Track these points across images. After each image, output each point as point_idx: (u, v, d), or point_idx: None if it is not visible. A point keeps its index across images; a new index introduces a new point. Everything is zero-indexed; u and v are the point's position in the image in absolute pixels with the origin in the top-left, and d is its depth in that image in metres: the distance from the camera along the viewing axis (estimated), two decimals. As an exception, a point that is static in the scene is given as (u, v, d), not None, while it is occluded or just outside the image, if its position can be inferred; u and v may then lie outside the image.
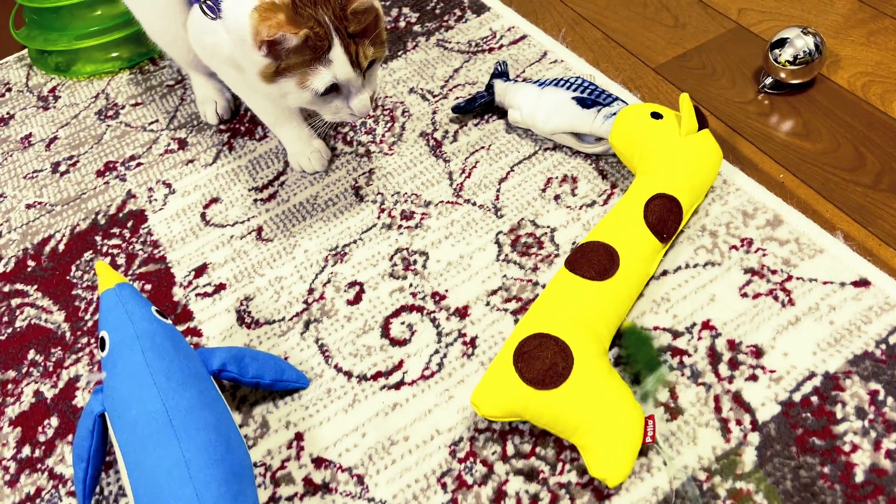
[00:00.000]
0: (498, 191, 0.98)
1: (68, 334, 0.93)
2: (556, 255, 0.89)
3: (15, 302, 0.99)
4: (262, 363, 0.80)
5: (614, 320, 0.77)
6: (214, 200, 1.06)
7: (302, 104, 0.84)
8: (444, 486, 0.73)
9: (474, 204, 0.98)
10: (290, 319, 0.90)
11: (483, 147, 1.04)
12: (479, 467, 0.74)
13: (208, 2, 0.81)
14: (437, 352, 0.84)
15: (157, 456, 0.66)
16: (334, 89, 0.82)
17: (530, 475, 0.72)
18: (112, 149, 1.17)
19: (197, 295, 0.94)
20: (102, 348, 0.74)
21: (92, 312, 0.95)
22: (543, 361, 0.70)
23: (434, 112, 1.11)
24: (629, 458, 0.67)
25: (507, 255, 0.91)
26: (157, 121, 1.20)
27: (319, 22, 0.75)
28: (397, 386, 0.81)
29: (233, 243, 0.99)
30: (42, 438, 0.84)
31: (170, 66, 1.30)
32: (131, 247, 1.02)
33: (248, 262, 0.97)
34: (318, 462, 0.77)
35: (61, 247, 1.04)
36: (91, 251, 1.03)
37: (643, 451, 0.71)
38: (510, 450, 0.74)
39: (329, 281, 0.93)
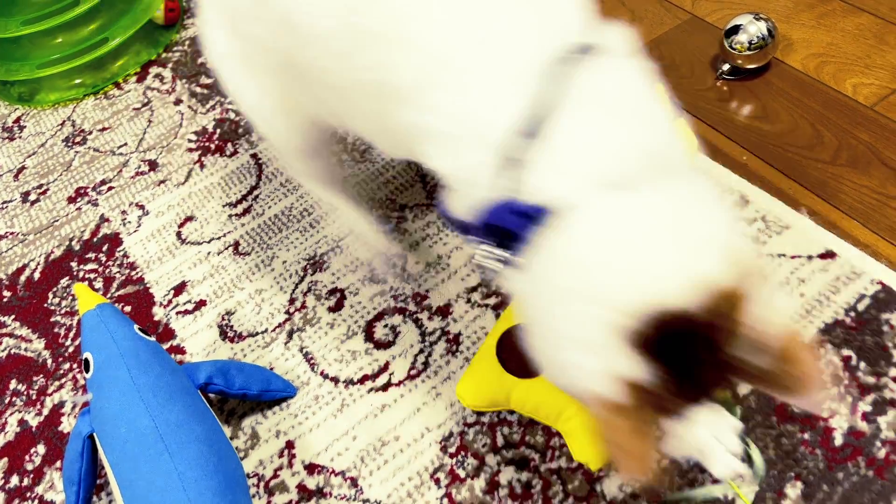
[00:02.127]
0: (471, 190, 0.99)
1: (49, 361, 0.93)
2: (532, 249, 0.91)
3: (-7, 333, 0.98)
4: (248, 374, 0.81)
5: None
6: (189, 219, 1.06)
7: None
8: (437, 481, 0.74)
9: (448, 204, 0.99)
10: (273, 330, 0.90)
11: (453, 148, 1.05)
12: (471, 460, 0.75)
13: None
14: (421, 351, 0.84)
15: (150, 471, 0.67)
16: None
17: (521, 464, 0.73)
18: (82, 174, 1.17)
19: (178, 313, 0.94)
20: (87, 370, 0.74)
21: (72, 338, 0.95)
22: (524, 352, 0.71)
23: (402, 118, 1.12)
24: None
25: (483, 252, 0.92)
26: (125, 144, 1.20)
27: None
28: (384, 388, 0.82)
29: (210, 259, 1.00)
30: (30, 467, 0.83)
31: (135, 90, 1.30)
32: (108, 270, 1.02)
33: (227, 277, 0.97)
34: (311, 468, 0.77)
35: (37, 275, 1.03)
36: (67, 277, 1.02)
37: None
38: (500, 441, 0.75)
39: (309, 290, 0.93)
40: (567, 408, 0.69)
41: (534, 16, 0.52)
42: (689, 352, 0.44)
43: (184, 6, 1.45)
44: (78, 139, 1.23)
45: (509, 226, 0.50)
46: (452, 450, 0.76)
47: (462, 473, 0.74)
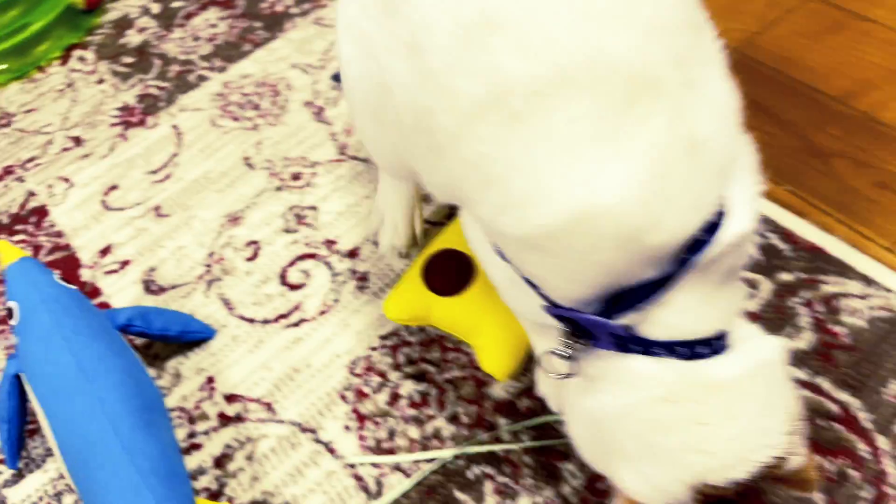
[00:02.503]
0: (377, 144, 1.07)
1: (-18, 325, 0.98)
2: (432, 193, 0.98)
3: (-75, 304, 1.02)
4: (167, 318, 0.87)
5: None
6: (113, 188, 1.11)
7: None
8: (344, 398, 0.81)
9: (358, 159, 1.06)
10: (195, 281, 0.96)
11: (360, 108, 1.12)
12: (375, 378, 0.82)
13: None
14: (332, 290, 0.92)
15: (73, 402, 0.72)
16: None
17: (420, 377, 0.81)
18: (8, 154, 1.21)
19: (105, 273, 1.00)
20: (11, 318, 0.80)
21: None
22: (448, 273, 0.79)
23: (315, 83, 1.19)
24: (515, 357, 0.75)
25: (388, 198, 0.99)
26: (50, 123, 1.24)
27: None
28: (297, 324, 0.89)
29: (133, 223, 1.05)
30: (-34, 419, 0.88)
31: (58, 73, 1.34)
32: (36, 239, 1.06)
33: (150, 238, 1.03)
34: (230, 398, 0.84)
35: (-33, 248, 1.08)
36: (-3, 248, 1.06)
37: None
38: (401, 359, 0.83)
39: (227, 243, 0.99)
40: (479, 324, 0.77)
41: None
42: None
43: (104, -9, 1.49)
44: (3, 122, 1.27)
45: (590, 329, 0.53)
46: (358, 371, 0.83)
47: (367, 390, 0.81)
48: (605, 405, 0.54)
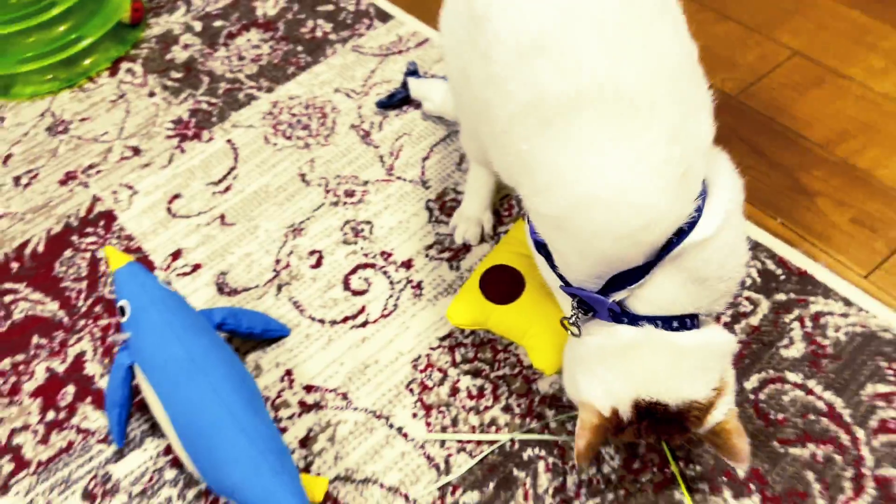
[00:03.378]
0: (423, 167, 1.20)
1: (66, 319, 1.08)
2: (476, 213, 1.12)
3: (8, 299, 1.11)
4: (251, 317, 0.99)
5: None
6: (176, 196, 1.22)
7: None
8: (411, 390, 0.95)
9: (405, 179, 1.19)
10: (264, 285, 1.08)
11: (406, 133, 1.26)
12: (436, 374, 0.96)
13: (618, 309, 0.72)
14: (391, 296, 1.05)
15: (190, 389, 0.84)
16: None
17: (476, 373, 0.95)
18: (69, 160, 1.30)
19: (178, 275, 1.11)
20: (123, 315, 0.91)
21: (84, 298, 1.10)
22: (502, 285, 0.94)
23: (359, 107, 1.32)
24: (560, 355, 0.89)
25: (437, 217, 1.13)
26: (107, 132, 1.34)
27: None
28: (363, 325, 1.02)
29: (200, 230, 1.16)
30: (62, 403, 0.99)
31: (109, 83, 1.43)
32: (108, 242, 1.17)
33: (218, 244, 1.14)
34: (308, 388, 0.97)
35: (40, 248, 1.17)
36: (70, 249, 1.16)
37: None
38: (458, 358, 0.97)
39: (292, 252, 1.12)
40: (530, 328, 0.91)
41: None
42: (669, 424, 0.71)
43: (146, 6, 1.58)
44: (60, 129, 1.36)
45: (594, 305, 0.73)
46: (421, 367, 0.97)
47: (430, 384, 0.95)
48: (590, 343, 0.73)
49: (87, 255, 1.15)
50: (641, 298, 0.70)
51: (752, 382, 0.91)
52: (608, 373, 0.71)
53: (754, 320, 0.97)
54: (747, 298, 0.99)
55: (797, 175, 1.13)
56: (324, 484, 0.85)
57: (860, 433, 0.86)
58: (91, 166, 1.29)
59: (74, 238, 1.18)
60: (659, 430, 0.72)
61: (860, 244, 1.04)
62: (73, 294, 1.11)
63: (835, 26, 1.34)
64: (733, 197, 0.69)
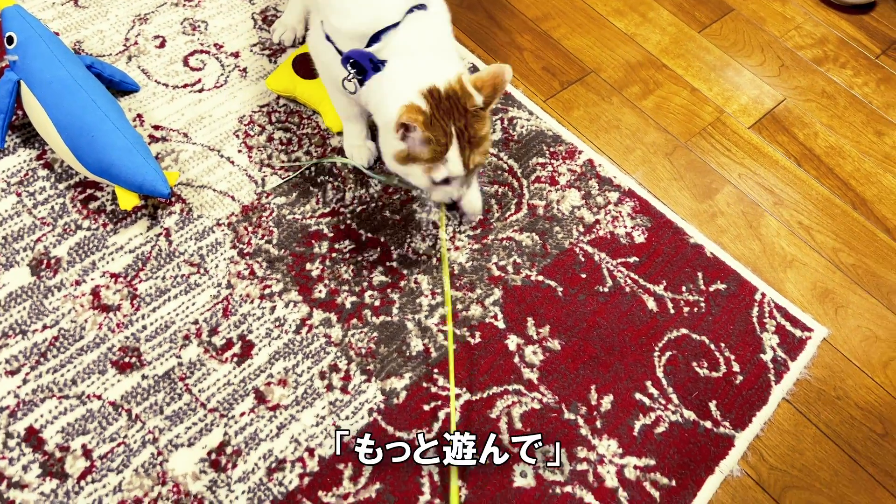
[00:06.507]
0: (248, -12, 1.54)
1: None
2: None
3: None
4: (112, 68, 1.28)
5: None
6: (28, -22, 1.43)
7: (421, 186, 1.13)
8: (237, 136, 1.32)
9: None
10: (116, 55, 1.36)
11: (235, -39, 1.57)
12: (256, 128, 1.34)
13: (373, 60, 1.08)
14: (222, 74, 1.39)
15: (73, 99, 1.14)
16: (446, 182, 1.12)
17: (286, 129, 1.35)
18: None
19: (36, 38, 1.34)
20: (11, 43, 1.16)
21: (-51, 44, 1.29)
22: (307, 67, 1.33)
23: None
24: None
25: (260, 25, 1.48)
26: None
27: (445, 132, 1.06)
28: (200, 91, 1.36)
29: (56, 7, 1.40)
30: (-61, 118, 1.21)
31: None
32: (-36, 4, 1.35)
33: (72, 20, 1.39)
34: (156, 127, 1.29)
35: None
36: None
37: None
38: (274, 119, 1.36)
39: (139, 35, 1.41)
40: (323, 97, 1.31)
41: None
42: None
43: None
44: None
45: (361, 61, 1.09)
46: (246, 122, 1.34)
47: (252, 133, 1.33)
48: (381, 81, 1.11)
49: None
50: (388, 47, 1.09)
51: (467, 152, 1.42)
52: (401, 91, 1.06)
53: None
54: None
55: (513, 36, 1.65)
56: (176, 176, 1.21)
57: (525, 182, 1.41)
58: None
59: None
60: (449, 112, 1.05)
61: (544, 82, 1.59)
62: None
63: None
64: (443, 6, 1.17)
